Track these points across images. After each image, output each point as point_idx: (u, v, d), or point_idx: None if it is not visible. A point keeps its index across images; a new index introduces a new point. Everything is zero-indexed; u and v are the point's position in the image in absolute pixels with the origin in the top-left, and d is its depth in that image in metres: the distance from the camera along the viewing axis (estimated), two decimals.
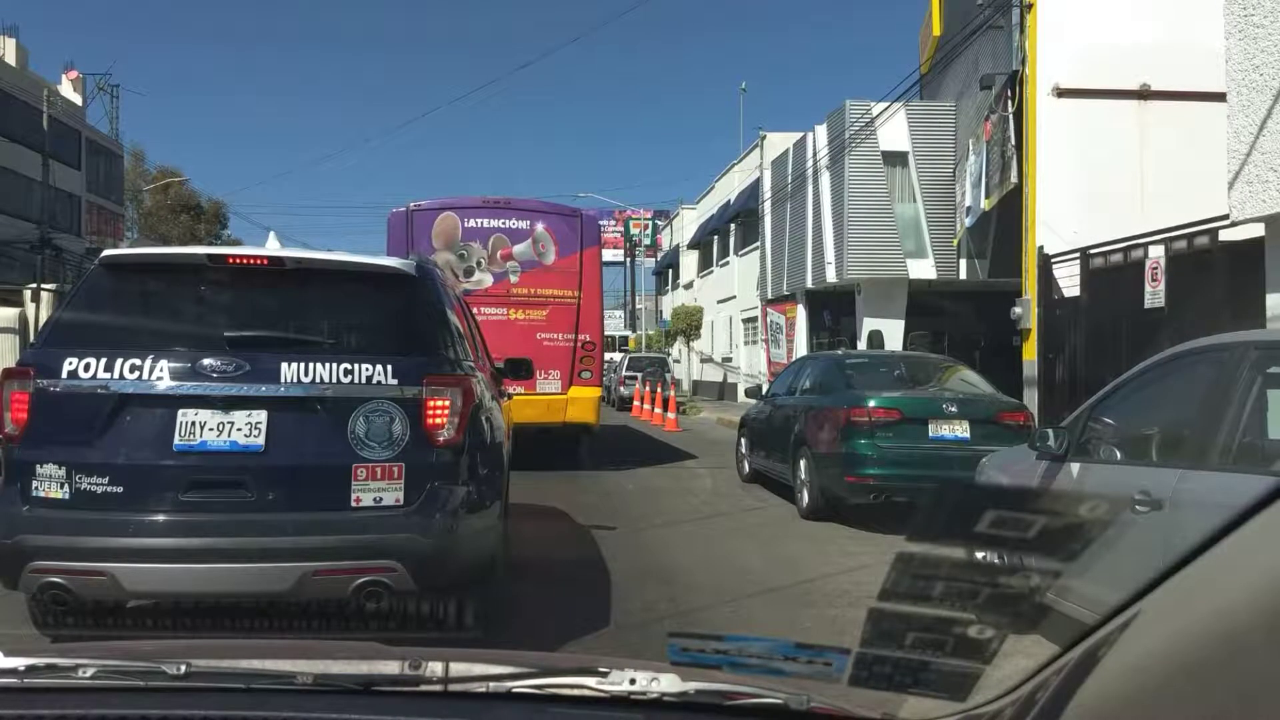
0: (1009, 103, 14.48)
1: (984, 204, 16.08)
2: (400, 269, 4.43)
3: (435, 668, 1.41)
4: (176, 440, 3.83)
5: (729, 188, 33.02)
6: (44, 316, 14.36)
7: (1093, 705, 0.87)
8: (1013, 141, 14.42)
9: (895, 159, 19.30)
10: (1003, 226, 16.36)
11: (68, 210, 41.65)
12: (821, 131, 20.83)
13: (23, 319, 14.89)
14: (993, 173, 15.38)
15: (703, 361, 36.75)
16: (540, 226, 11.89)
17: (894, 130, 18.96)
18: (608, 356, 22.18)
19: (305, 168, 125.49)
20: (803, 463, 9.05)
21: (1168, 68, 13.80)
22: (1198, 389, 4.08)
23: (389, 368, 3.99)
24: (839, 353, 12.48)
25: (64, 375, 3.87)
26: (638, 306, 44.93)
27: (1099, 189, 13.54)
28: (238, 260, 4.33)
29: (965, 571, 1.15)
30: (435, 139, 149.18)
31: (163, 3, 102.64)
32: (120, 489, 3.80)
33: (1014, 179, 14.51)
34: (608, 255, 24.75)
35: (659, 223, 47.18)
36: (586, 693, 1.30)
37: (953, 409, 8.42)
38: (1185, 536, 0.83)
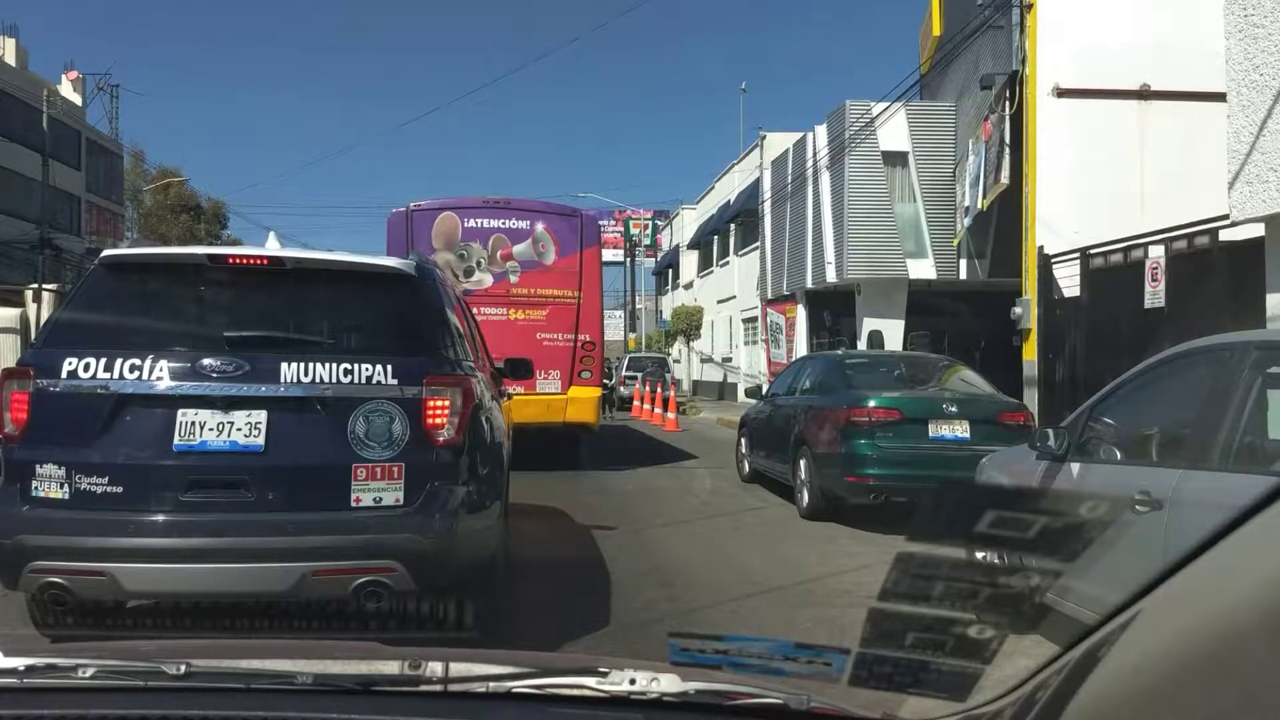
0: (1009, 103, 14.49)
1: (980, 204, 16.09)
2: (400, 269, 4.43)
3: (435, 668, 1.41)
4: (176, 440, 3.83)
5: (729, 188, 33.02)
6: (45, 316, 14.36)
7: (1093, 705, 0.87)
8: (1006, 141, 14.43)
9: (895, 159, 19.30)
10: (1003, 226, 16.35)
11: (68, 210, 41.66)
12: (821, 131, 20.83)
13: (23, 319, 14.90)
14: (989, 173, 15.40)
15: (703, 361, 36.76)
16: (540, 226, 11.89)
17: (894, 130, 18.96)
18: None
19: (305, 168, 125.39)
20: (803, 463, 9.05)
21: (1168, 68, 13.80)
22: (1198, 389, 4.08)
23: (389, 368, 3.99)
24: (839, 353, 12.48)
25: (64, 375, 3.87)
26: (638, 306, 44.92)
27: (1099, 189, 13.55)
28: (238, 260, 4.33)
29: (965, 571, 1.15)
30: (435, 139, 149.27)
31: (163, 3, 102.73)
32: (120, 489, 3.80)
33: (1005, 179, 14.51)
34: (608, 255, 24.73)
35: (659, 223, 47.19)
36: (586, 693, 1.30)
37: (953, 409, 8.42)
38: (1185, 536, 0.83)
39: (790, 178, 23.33)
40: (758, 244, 27.65)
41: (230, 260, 4.34)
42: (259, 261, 4.31)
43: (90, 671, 1.32)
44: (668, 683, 1.29)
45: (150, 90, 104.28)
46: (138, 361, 3.87)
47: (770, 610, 5.46)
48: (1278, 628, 0.69)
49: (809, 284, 22.19)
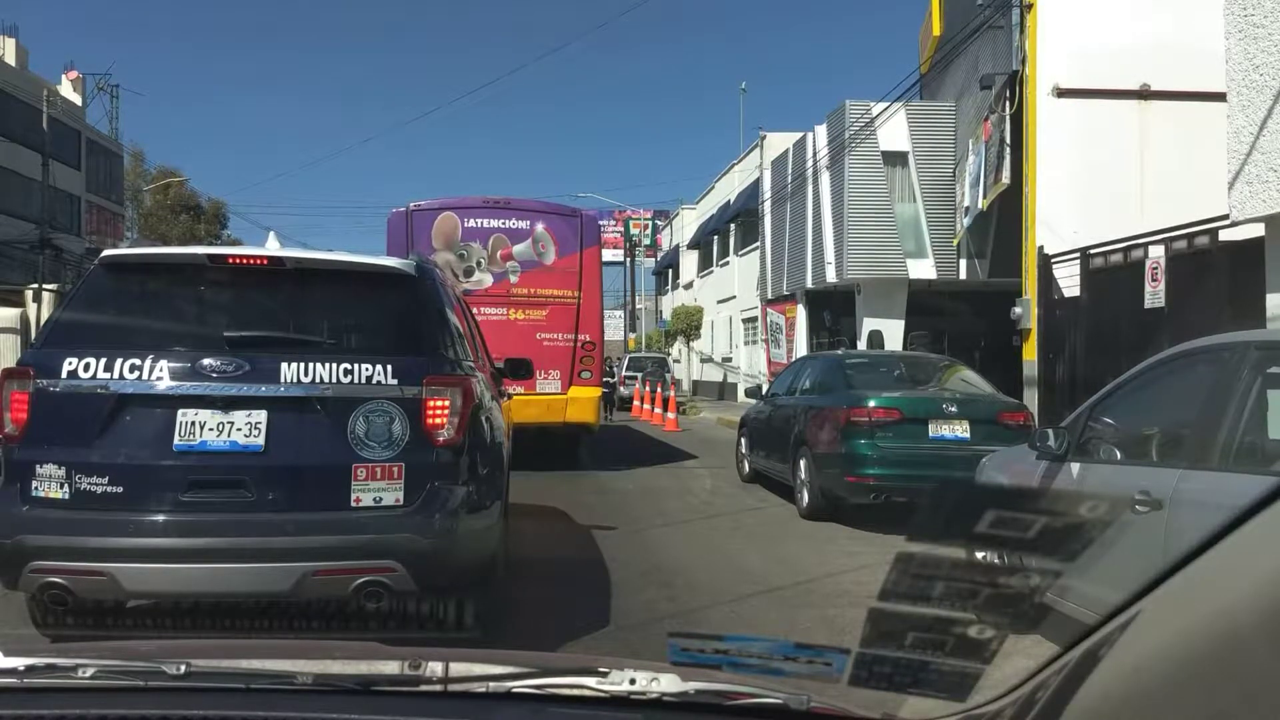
0: (1009, 103, 14.49)
1: (980, 203, 16.09)
2: (400, 269, 4.43)
3: (435, 668, 1.41)
4: (176, 440, 3.83)
5: (729, 188, 33.03)
6: (45, 316, 14.38)
7: (1093, 705, 0.87)
8: (1007, 141, 14.43)
9: (895, 159, 19.30)
10: (1003, 226, 16.36)
11: (68, 210, 41.66)
12: (821, 131, 20.83)
13: (24, 319, 14.91)
14: (989, 173, 15.40)
15: (703, 361, 36.76)
16: (540, 226, 11.89)
17: (894, 130, 18.96)
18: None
19: (305, 168, 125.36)
20: (803, 463, 9.05)
21: (1168, 68, 13.80)
22: (1198, 389, 4.08)
23: (389, 368, 3.99)
24: (839, 353, 12.48)
25: (64, 375, 3.87)
26: (638, 306, 44.92)
27: (1099, 189, 13.55)
28: (238, 260, 4.33)
29: (965, 571, 1.16)
30: (435, 139, 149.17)
31: (163, 3, 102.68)
32: (120, 489, 3.80)
33: (1005, 179, 14.51)
34: (608, 255, 24.72)
35: (659, 223, 47.18)
36: (586, 693, 1.30)
37: (953, 409, 8.42)
38: (1185, 536, 0.83)
39: (790, 178, 23.33)
40: (758, 244, 27.65)
41: (230, 260, 4.34)
42: (259, 261, 4.31)
43: (90, 671, 1.32)
44: (668, 683, 1.29)
45: (150, 90, 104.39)
46: (138, 361, 3.87)
47: (770, 610, 5.46)
48: (1278, 628, 0.69)
49: (809, 284, 22.19)
